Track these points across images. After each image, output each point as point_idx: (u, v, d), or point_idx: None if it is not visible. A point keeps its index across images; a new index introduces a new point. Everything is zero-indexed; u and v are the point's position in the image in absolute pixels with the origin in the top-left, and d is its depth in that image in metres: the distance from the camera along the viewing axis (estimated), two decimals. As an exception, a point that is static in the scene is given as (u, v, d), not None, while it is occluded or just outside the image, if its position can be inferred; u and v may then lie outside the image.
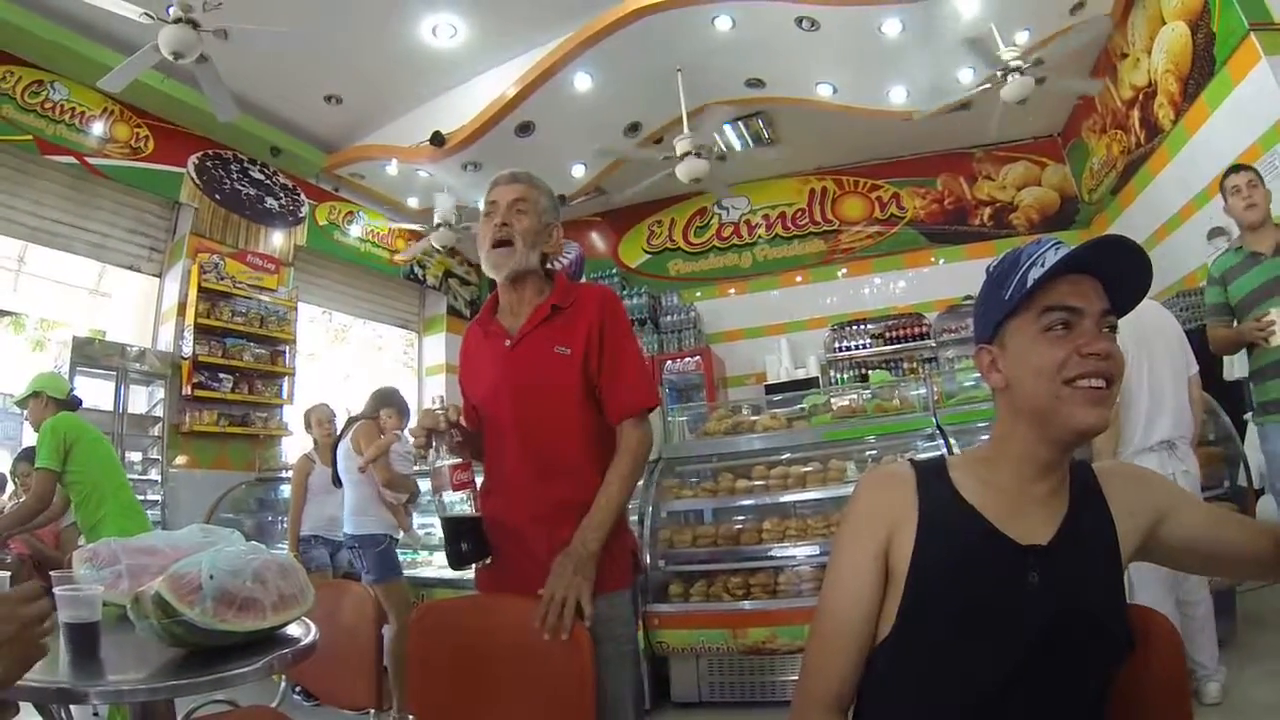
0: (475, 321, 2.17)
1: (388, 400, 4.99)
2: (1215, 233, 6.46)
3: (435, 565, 5.51)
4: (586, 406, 1.98)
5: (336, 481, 4.91)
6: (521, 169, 2.13)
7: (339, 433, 4.97)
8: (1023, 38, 7.00)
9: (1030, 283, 1.17)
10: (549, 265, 2.14)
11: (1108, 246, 1.16)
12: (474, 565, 1.92)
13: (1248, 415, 5.27)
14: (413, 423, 5.29)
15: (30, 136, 6.73)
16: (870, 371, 7.27)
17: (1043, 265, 1.17)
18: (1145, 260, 1.18)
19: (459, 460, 1.85)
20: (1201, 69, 6.39)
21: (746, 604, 4.36)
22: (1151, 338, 3.43)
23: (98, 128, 7.24)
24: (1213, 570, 1.39)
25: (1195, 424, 3.56)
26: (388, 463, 4.57)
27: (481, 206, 2.09)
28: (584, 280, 5.27)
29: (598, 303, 2.03)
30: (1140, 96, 7.54)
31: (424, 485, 5.08)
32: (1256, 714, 3.25)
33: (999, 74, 6.59)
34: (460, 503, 1.84)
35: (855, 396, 5.42)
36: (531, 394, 1.96)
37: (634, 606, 2.03)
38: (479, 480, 1.95)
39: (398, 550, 4.83)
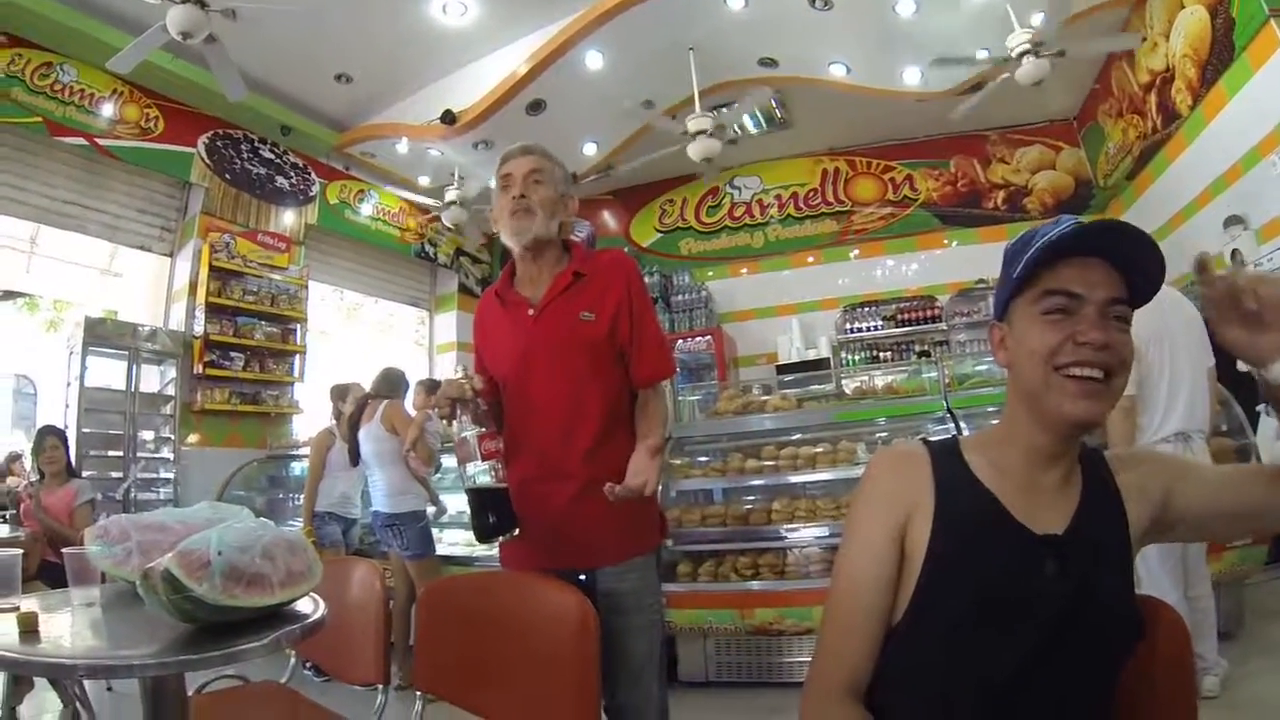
0: (491, 292, 2.18)
1: (396, 383, 5.09)
2: (1232, 221, 6.38)
3: (445, 543, 5.54)
4: (610, 373, 2.02)
5: (355, 460, 4.98)
6: (532, 142, 2.15)
7: (356, 414, 4.99)
8: (1038, 19, 6.92)
9: (1031, 262, 1.15)
10: (566, 236, 2.16)
11: (1103, 231, 1.13)
12: (501, 538, 1.91)
13: (1260, 406, 5.23)
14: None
15: (40, 118, 6.75)
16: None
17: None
18: (1150, 244, 1.14)
19: (484, 430, 1.85)
20: (1220, 54, 6.31)
21: (755, 584, 4.37)
22: (1173, 327, 3.35)
23: (107, 109, 7.24)
24: (1232, 529, 1.37)
25: (1211, 417, 3.50)
26: (426, 441, 4.65)
27: (493, 184, 2.11)
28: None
29: (624, 273, 2.08)
30: (1158, 81, 7.44)
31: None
32: (1255, 709, 3.20)
33: (1013, 55, 6.51)
34: (485, 473, 1.83)
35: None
36: (558, 361, 1.98)
37: (658, 571, 2.06)
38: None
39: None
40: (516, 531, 1.90)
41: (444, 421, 1.92)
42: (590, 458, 1.95)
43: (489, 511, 1.85)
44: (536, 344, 2.00)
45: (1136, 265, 1.15)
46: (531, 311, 2.03)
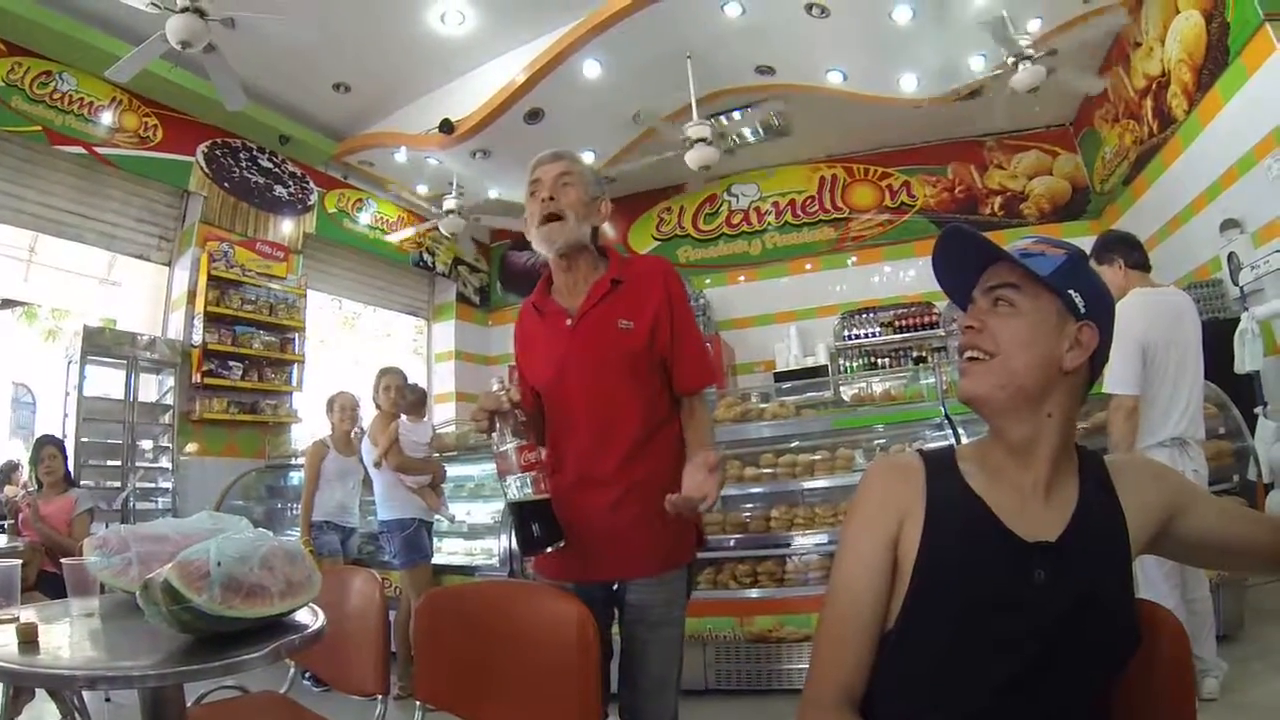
0: (529, 303, 2.16)
1: (413, 398, 5.20)
2: (1228, 225, 6.40)
3: (444, 552, 5.52)
4: (648, 381, 2.00)
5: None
6: (564, 149, 2.15)
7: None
8: (1035, 26, 6.94)
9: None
10: (599, 241, 2.15)
11: (937, 257, 1.37)
12: (548, 549, 1.86)
13: (1258, 409, 5.25)
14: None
15: (39, 127, 6.76)
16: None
17: None
18: (962, 232, 1.30)
19: (524, 441, 1.82)
20: (1215, 59, 6.33)
21: (754, 592, 4.37)
22: (1188, 334, 3.37)
23: (106, 117, 7.26)
24: (1223, 565, 1.37)
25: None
26: (399, 449, 4.70)
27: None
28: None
29: (662, 278, 2.07)
30: (1153, 86, 7.46)
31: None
32: (1255, 711, 3.18)
33: (1010, 62, 6.53)
34: (527, 485, 1.80)
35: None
36: (596, 371, 1.97)
37: (689, 582, 2.05)
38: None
39: (431, 535, 4.98)
40: (561, 543, 1.85)
41: (483, 433, 1.89)
42: (628, 466, 1.94)
43: (531, 524, 1.82)
44: (574, 354, 1.99)
45: (997, 253, 1.26)
46: (569, 321, 2.02)
